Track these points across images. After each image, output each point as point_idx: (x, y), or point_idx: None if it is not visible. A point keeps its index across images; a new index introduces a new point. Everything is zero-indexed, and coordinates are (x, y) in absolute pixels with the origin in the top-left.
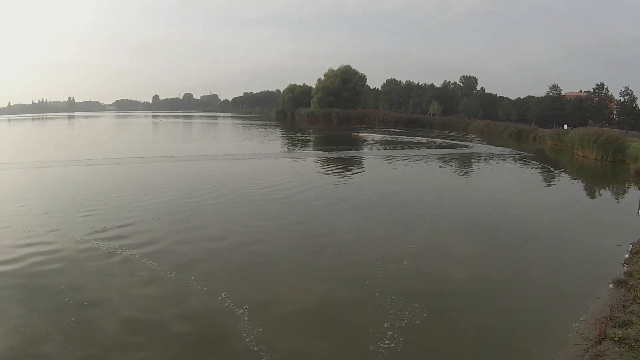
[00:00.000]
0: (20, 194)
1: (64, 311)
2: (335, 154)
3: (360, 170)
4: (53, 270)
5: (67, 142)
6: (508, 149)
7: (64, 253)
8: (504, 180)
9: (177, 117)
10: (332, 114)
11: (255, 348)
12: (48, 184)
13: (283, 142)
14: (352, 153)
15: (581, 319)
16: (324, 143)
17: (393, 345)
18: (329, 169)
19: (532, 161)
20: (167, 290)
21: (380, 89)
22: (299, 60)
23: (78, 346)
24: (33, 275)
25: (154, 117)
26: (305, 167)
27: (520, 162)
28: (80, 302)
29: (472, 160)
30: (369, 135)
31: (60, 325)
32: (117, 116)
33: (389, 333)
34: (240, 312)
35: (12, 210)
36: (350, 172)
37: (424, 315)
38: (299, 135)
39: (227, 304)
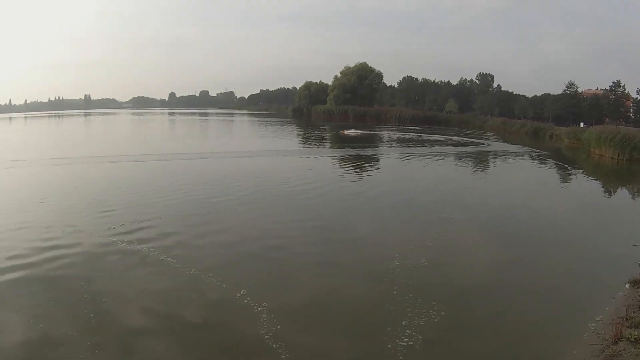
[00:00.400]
0: (38, 190)
1: (82, 307)
2: (351, 151)
3: (378, 168)
4: (71, 266)
5: (84, 139)
6: (525, 147)
7: (82, 250)
8: (521, 178)
9: (193, 114)
10: (349, 111)
11: (274, 345)
12: (66, 181)
13: (300, 139)
14: (370, 151)
15: (597, 318)
16: (341, 140)
17: (411, 343)
18: (346, 167)
19: (548, 159)
20: (186, 287)
21: (396, 86)
22: (315, 58)
23: (95, 340)
24: (52, 270)
25: (170, 114)
26: (322, 165)
27: (537, 160)
28: (99, 298)
29: (489, 159)
30: (359, 132)
31: (78, 320)
32: (133, 113)
33: (407, 331)
34: (259, 309)
35: (32, 206)
36: (368, 170)
37: (442, 313)
38: (316, 132)
39: (246, 300)
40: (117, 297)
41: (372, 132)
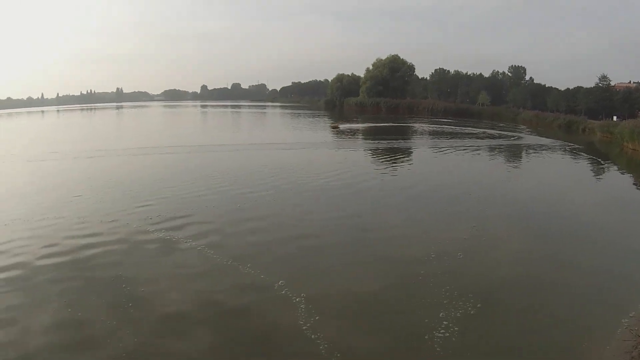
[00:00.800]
0: (74, 183)
1: (119, 297)
2: (384, 144)
3: (411, 160)
4: (108, 256)
5: (117, 131)
6: (557, 141)
7: (119, 241)
8: (554, 173)
9: (225, 106)
10: (381, 103)
11: (313, 335)
12: (102, 173)
13: (332, 131)
14: (403, 143)
15: (630, 315)
16: (374, 133)
17: (448, 334)
18: (379, 160)
19: (581, 153)
20: (224, 277)
21: (428, 78)
22: (347, 50)
23: (130, 325)
24: (88, 260)
25: (202, 106)
26: (356, 157)
27: (570, 154)
28: (136, 288)
29: (522, 152)
30: (353, 126)
31: (114, 310)
32: (165, 106)
33: (444, 322)
34: (297, 300)
35: (68, 199)
36: (401, 163)
37: (478, 305)
38: (349, 124)
39: (284, 291)
40: (155, 285)
41: (371, 124)
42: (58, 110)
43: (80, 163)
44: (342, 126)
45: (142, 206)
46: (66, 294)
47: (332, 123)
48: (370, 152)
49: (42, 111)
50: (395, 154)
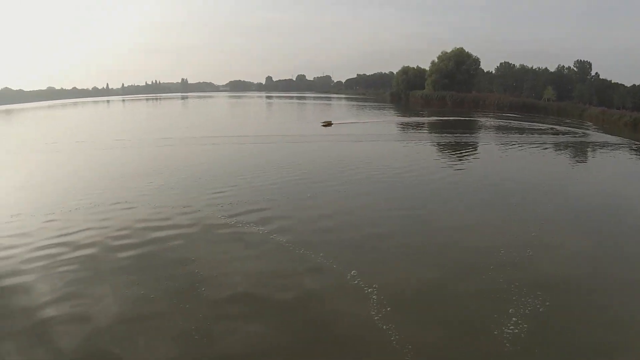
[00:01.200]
0: (144, 171)
1: (189, 279)
2: (450, 137)
3: (478, 155)
4: (179, 242)
5: (184, 121)
6: (625, 139)
7: (190, 228)
8: (620, 171)
9: (291, 97)
10: (447, 97)
11: (384, 326)
12: (171, 161)
13: (398, 124)
14: (469, 138)
15: None
16: (440, 126)
17: (517, 331)
18: (445, 154)
19: None
20: (296, 266)
21: (493, 72)
22: (412, 42)
23: (195, 310)
24: (159, 246)
25: (267, 97)
26: (422, 151)
27: (637, 153)
28: (206, 272)
29: (588, 150)
30: (343, 124)
31: (182, 291)
32: (230, 96)
33: (513, 319)
34: (369, 290)
35: (140, 186)
36: (467, 157)
37: (547, 303)
38: (414, 117)
39: (356, 281)
40: (225, 269)
41: (495, 120)
42: (123, 100)
43: (148, 151)
44: (333, 122)
45: (214, 194)
46: (136, 275)
47: (324, 121)
48: (436, 145)
49: (108, 101)
50: (462, 148)
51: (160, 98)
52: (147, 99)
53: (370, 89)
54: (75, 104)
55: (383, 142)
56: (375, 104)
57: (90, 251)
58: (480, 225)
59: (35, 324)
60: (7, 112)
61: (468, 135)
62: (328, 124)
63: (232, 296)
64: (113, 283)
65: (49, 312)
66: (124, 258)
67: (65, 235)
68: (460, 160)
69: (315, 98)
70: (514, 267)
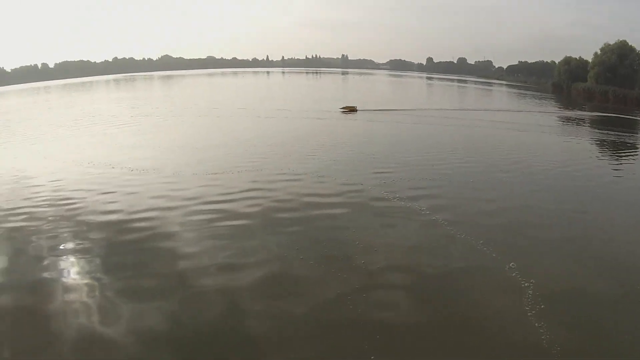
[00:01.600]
0: (307, 142)
1: (347, 251)
2: (613, 136)
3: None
4: (338, 212)
5: (353, 95)
6: None
7: (348, 204)
8: None
9: (452, 80)
10: (609, 92)
11: (536, 324)
12: (337, 135)
13: (560, 117)
14: (631, 139)
15: None
16: (600, 123)
17: None
18: (606, 153)
19: None
20: (452, 250)
21: None
22: (575, 31)
23: (335, 282)
24: (320, 214)
25: (428, 78)
26: (583, 148)
27: None
28: (365, 245)
29: None
30: (372, 111)
31: (324, 264)
32: (390, 75)
33: None
34: (526, 284)
35: (303, 157)
36: (631, 160)
37: None
38: (577, 111)
39: (514, 273)
40: (383, 244)
41: (598, 114)
42: (283, 72)
43: (308, 123)
44: (353, 109)
45: (377, 170)
46: (285, 243)
47: (346, 107)
48: (598, 143)
49: (267, 72)
50: (625, 149)
51: (320, 72)
52: (307, 73)
53: (531, 78)
54: (235, 73)
55: (546, 135)
56: (537, 93)
57: (252, 211)
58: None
59: (192, 282)
60: (168, 77)
61: (631, 135)
62: (351, 110)
63: (385, 268)
64: (272, 245)
65: (206, 271)
66: (284, 222)
67: (228, 194)
68: (622, 161)
69: (475, 82)
70: None
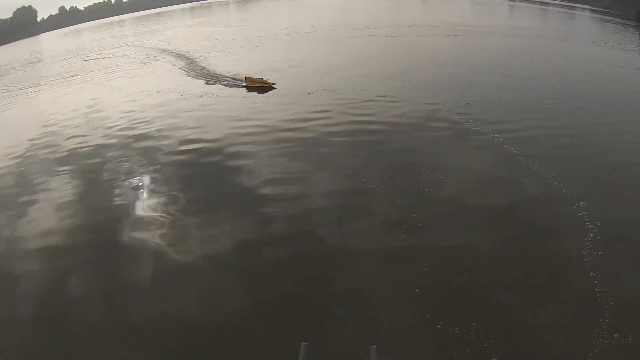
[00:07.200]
0: (406, 62)
1: (413, 175)
2: None
3: None
4: (411, 136)
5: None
6: None
7: (424, 122)
8: None
9: (534, 2)
10: None
11: (591, 273)
12: (422, 57)
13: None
14: None
15: None
16: None
17: None
18: None
19: None
20: (521, 178)
21: None
22: None
23: (404, 204)
24: (391, 137)
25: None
26: None
27: None
28: (433, 169)
29: None
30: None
31: (405, 187)
32: None
33: None
34: (589, 227)
35: (399, 78)
36: None
37: None
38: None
39: (580, 214)
40: (451, 170)
41: None
42: None
43: (395, 42)
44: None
45: (455, 93)
46: (355, 163)
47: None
48: None
49: None
50: None
51: None
52: None
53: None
54: None
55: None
56: (620, 20)
57: (335, 130)
58: None
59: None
60: (244, 1)
61: None
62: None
63: (449, 197)
64: (338, 164)
65: (272, 186)
66: (358, 143)
67: (313, 112)
68: None
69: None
70: None
